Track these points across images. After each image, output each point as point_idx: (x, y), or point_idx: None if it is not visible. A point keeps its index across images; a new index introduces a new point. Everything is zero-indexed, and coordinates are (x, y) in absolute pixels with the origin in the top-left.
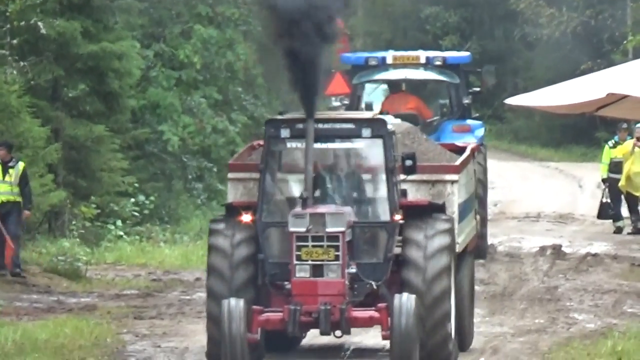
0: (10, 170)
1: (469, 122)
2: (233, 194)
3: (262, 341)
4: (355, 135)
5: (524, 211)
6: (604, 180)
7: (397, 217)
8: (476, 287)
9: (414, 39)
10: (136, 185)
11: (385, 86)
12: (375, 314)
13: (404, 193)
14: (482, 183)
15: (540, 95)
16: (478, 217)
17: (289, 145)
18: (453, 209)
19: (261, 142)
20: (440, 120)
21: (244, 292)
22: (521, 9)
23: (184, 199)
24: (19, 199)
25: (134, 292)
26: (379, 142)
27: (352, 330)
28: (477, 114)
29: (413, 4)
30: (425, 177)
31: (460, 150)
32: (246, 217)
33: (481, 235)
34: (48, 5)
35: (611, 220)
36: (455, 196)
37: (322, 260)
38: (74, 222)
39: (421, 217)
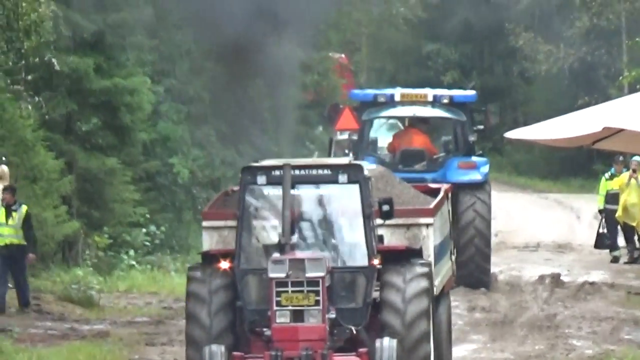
0: (14, 214)
1: (474, 158)
2: (208, 243)
3: None
4: (331, 180)
5: (523, 241)
6: (600, 211)
7: (376, 261)
8: (477, 315)
9: (416, 74)
10: (147, 216)
11: (393, 122)
12: (357, 359)
13: (380, 238)
14: (485, 220)
15: (539, 128)
16: (454, 257)
17: (265, 192)
18: (429, 252)
19: (235, 188)
20: (445, 156)
21: (223, 339)
22: (520, 46)
23: (194, 229)
24: (23, 242)
25: (145, 319)
26: (355, 188)
27: None
28: (480, 151)
29: (415, 41)
30: (400, 220)
31: (433, 191)
32: (224, 265)
33: (484, 270)
34: (62, 43)
35: (608, 250)
36: (430, 239)
37: (303, 306)
38: (87, 252)
39: (399, 262)
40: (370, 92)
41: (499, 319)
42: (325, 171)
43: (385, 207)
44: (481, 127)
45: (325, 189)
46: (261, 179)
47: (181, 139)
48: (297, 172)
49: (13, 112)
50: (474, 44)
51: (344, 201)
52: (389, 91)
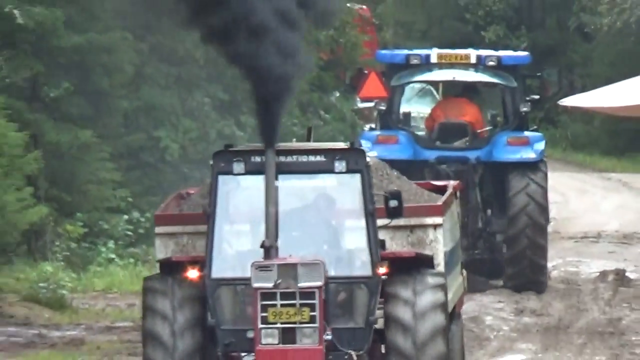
0: None
1: (527, 134)
2: (163, 252)
3: None
4: (326, 169)
5: (581, 230)
6: None
7: (381, 270)
8: (527, 319)
9: (452, 29)
10: (130, 200)
11: (427, 88)
12: None
13: (382, 244)
14: (540, 207)
15: (599, 95)
16: (464, 272)
17: (243, 183)
18: (438, 260)
19: (190, 191)
20: (492, 131)
21: None
22: None
23: None
24: None
25: (127, 324)
26: (356, 178)
27: None
28: (535, 126)
29: None
30: (402, 221)
31: (438, 190)
32: (193, 273)
33: (538, 267)
34: None
35: None
36: (440, 244)
37: (295, 323)
38: (57, 243)
39: (407, 271)
40: (401, 52)
41: (553, 324)
42: (319, 157)
43: (393, 203)
44: (537, 96)
45: (319, 180)
46: (238, 167)
47: (170, 107)
48: (283, 158)
49: None
50: None
51: (341, 195)
52: (423, 51)
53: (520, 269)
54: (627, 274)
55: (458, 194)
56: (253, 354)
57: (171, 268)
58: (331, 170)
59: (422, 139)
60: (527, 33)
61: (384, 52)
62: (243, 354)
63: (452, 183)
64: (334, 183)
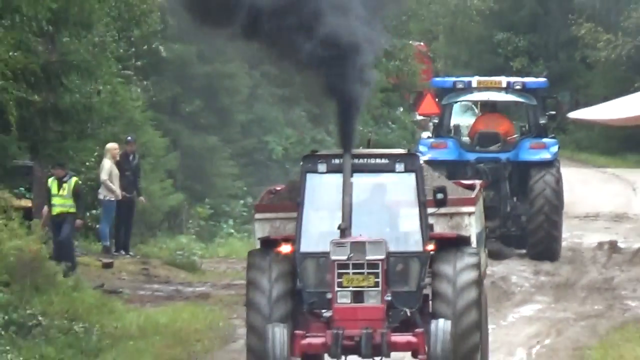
0: (64, 185)
1: (545, 140)
2: (260, 233)
3: None
4: (389, 169)
5: (584, 211)
6: None
7: (429, 247)
8: (542, 278)
9: (488, 60)
10: (245, 188)
11: (467, 104)
12: (413, 339)
13: (431, 227)
14: (554, 191)
15: (598, 109)
16: (486, 250)
17: (325, 179)
18: (472, 240)
19: (277, 187)
20: (519, 138)
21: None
22: (582, 35)
23: None
24: (72, 210)
25: (243, 282)
26: (411, 176)
27: None
28: (553, 135)
29: (487, 30)
30: (443, 209)
31: (467, 187)
32: (285, 248)
33: (553, 237)
34: (168, 32)
35: None
36: (472, 227)
37: (363, 287)
38: (190, 221)
39: (449, 250)
40: (450, 79)
41: (562, 282)
42: (383, 160)
43: (440, 195)
44: (553, 112)
45: (383, 177)
46: (322, 167)
47: (275, 119)
48: (356, 160)
49: (124, 94)
50: (541, 33)
51: (400, 189)
52: (466, 79)
53: (539, 238)
54: (618, 244)
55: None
56: (331, 310)
57: (269, 244)
58: (393, 170)
59: (465, 145)
60: (544, 63)
61: (437, 79)
62: (323, 311)
63: (478, 182)
64: (395, 180)
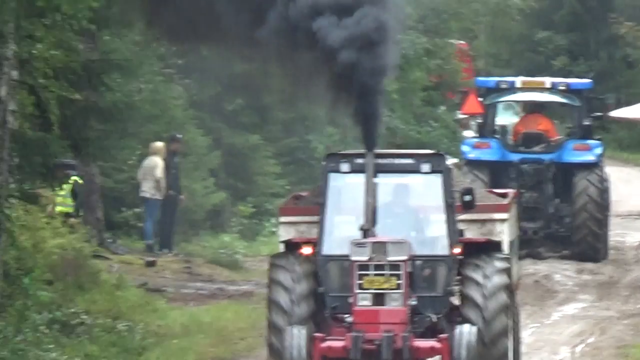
0: (65, 185)
1: (589, 141)
2: (285, 237)
3: None
4: (414, 170)
5: (626, 210)
6: None
7: (457, 250)
8: (585, 276)
9: (528, 59)
10: (287, 187)
11: (509, 103)
12: (437, 344)
13: (461, 232)
14: (598, 189)
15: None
16: (520, 262)
17: (348, 179)
18: (505, 249)
19: (302, 193)
20: (563, 139)
21: (305, 324)
22: (622, 33)
23: None
24: (69, 209)
25: None
26: (438, 177)
27: None
28: (599, 137)
29: (528, 29)
30: (475, 216)
31: (500, 195)
32: (307, 250)
33: (596, 235)
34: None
35: None
36: (505, 235)
37: (384, 289)
38: (233, 220)
39: (479, 256)
40: (494, 79)
41: (605, 280)
42: (408, 160)
43: (467, 197)
44: (600, 114)
45: (408, 178)
46: (344, 167)
47: (317, 118)
48: (380, 160)
49: (165, 93)
50: (581, 31)
51: (426, 190)
52: (510, 79)
53: (582, 237)
54: None
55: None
56: (352, 314)
57: (292, 247)
58: (418, 171)
59: (508, 145)
60: (584, 62)
61: (480, 79)
62: (346, 316)
63: (511, 191)
64: (421, 181)
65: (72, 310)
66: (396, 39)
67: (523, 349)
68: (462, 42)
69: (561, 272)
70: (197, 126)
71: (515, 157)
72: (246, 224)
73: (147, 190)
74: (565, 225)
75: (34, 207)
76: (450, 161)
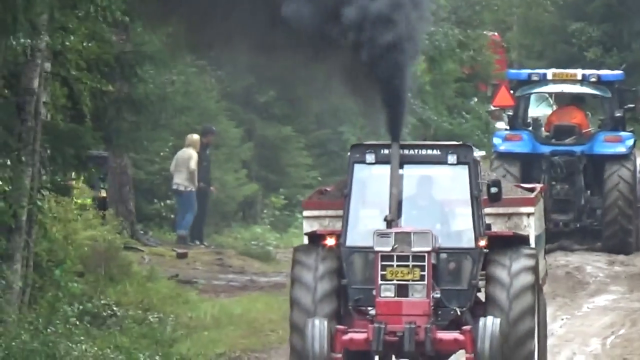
0: None
1: (621, 133)
2: (309, 231)
3: None
4: (440, 161)
5: None
6: None
7: (482, 243)
8: (617, 268)
9: (562, 51)
10: (319, 179)
11: (542, 95)
12: (460, 337)
13: (488, 226)
14: (629, 185)
15: None
16: (546, 258)
17: (374, 170)
18: (532, 243)
19: (327, 188)
20: (595, 131)
21: (327, 304)
22: None
23: None
24: None
25: None
26: (464, 169)
27: None
28: (632, 128)
29: (561, 20)
30: (501, 209)
31: (528, 190)
32: (330, 241)
33: (626, 230)
34: None
35: None
36: (531, 229)
37: (407, 280)
38: (265, 211)
39: (505, 251)
40: (525, 71)
41: (636, 272)
42: (435, 151)
43: (494, 189)
44: (632, 105)
45: (434, 170)
46: (370, 157)
47: (350, 109)
48: (406, 151)
49: (198, 84)
50: (614, 23)
51: (452, 182)
52: (542, 71)
53: (613, 232)
54: None
55: (543, 194)
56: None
57: (315, 239)
58: (445, 162)
59: (540, 137)
60: (618, 53)
61: (512, 71)
62: (369, 308)
63: (539, 185)
64: (447, 173)
65: (103, 302)
66: (422, 28)
67: (554, 341)
68: (494, 33)
69: (592, 263)
70: (230, 118)
71: (546, 149)
72: (278, 216)
73: (181, 182)
74: (597, 218)
75: (66, 198)
76: (477, 153)
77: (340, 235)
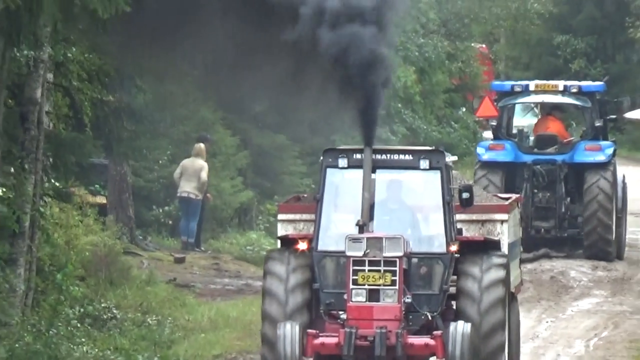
0: None
1: (601, 142)
2: (283, 234)
3: None
4: (413, 166)
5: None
6: None
7: (453, 248)
8: (600, 273)
9: (547, 62)
10: (312, 186)
11: (527, 105)
12: (431, 342)
13: (459, 231)
14: (608, 196)
15: None
16: (522, 267)
17: (346, 175)
18: (504, 249)
19: (304, 195)
20: (576, 140)
21: (299, 317)
22: (638, 37)
23: None
24: None
25: None
26: (436, 174)
27: None
28: (614, 138)
29: (547, 33)
30: (474, 216)
31: (503, 199)
32: (302, 245)
33: (606, 240)
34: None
35: None
36: (505, 236)
37: (379, 285)
38: (260, 217)
39: (475, 260)
40: (509, 83)
41: (619, 276)
42: (407, 156)
43: (466, 195)
44: (614, 116)
45: (406, 175)
46: (342, 162)
47: (342, 118)
48: (378, 156)
49: (195, 95)
50: (598, 35)
51: (424, 187)
52: (524, 82)
53: (593, 241)
54: None
55: (519, 204)
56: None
57: (288, 243)
58: (417, 167)
59: (523, 146)
60: (601, 64)
61: (496, 83)
62: (341, 312)
63: (514, 195)
64: (419, 178)
65: (104, 304)
66: (393, 40)
67: (539, 342)
68: (482, 45)
69: (576, 268)
70: (226, 127)
71: (528, 158)
72: (272, 222)
73: (191, 191)
74: (578, 226)
75: (68, 205)
76: (450, 158)
77: (312, 240)
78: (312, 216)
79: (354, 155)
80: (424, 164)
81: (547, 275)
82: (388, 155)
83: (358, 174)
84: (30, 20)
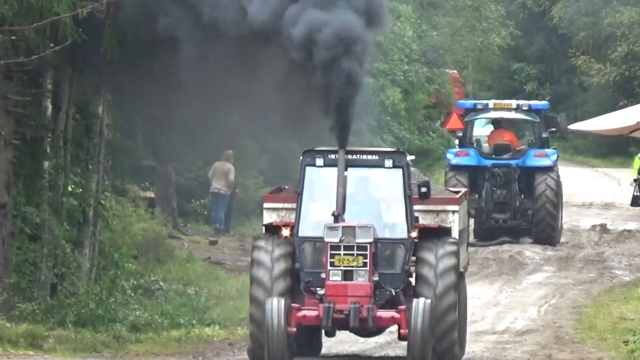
0: None
1: (546, 150)
2: (268, 220)
3: (294, 342)
4: (379, 165)
5: (580, 201)
6: (635, 180)
7: (413, 234)
8: (549, 252)
9: (506, 84)
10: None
11: (486, 120)
12: (397, 315)
13: (416, 219)
14: (553, 190)
15: (592, 122)
16: (469, 249)
17: (322, 172)
18: (455, 235)
19: (286, 186)
20: (526, 148)
21: (283, 297)
22: (578, 64)
23: None
24: None
25: None
26: (398, 172)
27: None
28: (555, 147)
29: (506, 61)
30: (430, 207)
31: (454, 192)
32: (285, 232)
33: (552, 227)
34: None
35: None
36: (456, 224)
37: (352, 267)
38: None
39: (431, 239)
40: (472, 101)
41: (564, 255)
42: (374, 157)
43: (424, 189)
44: (554, 129)
45: (373, 172)
46: (319, 161)
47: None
48: (350, 156)
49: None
50: (547, 63)
51: (388, 182)
52: (485, 101)
53: (541, 228)
54: (607, 226)
55: (467, 197)
56: (324, 288)
57: (272, 229)
58: (382, 166)
59: (483, 153)
60: (550, 86)
61: (461, 101)
62: (318, 288)
63: (463, 190)
64: (384, 174)
65: (152, 278)
66: (366, 54)
67: (500, 309)
68: (454, 71)
69: (530, 249)
70: (249, 136)
71: (488, 162)
72: None
73: (221, 187)
74: (528, 218)
75: (123, 199)
76: (409, 157)
77: (293, 227)
78: (293, 205)
79: (329, 155)
80: (388, 162)
81: (506, 255)
82: (358, 156)
83: (333, 171)
84: (93, 50)
